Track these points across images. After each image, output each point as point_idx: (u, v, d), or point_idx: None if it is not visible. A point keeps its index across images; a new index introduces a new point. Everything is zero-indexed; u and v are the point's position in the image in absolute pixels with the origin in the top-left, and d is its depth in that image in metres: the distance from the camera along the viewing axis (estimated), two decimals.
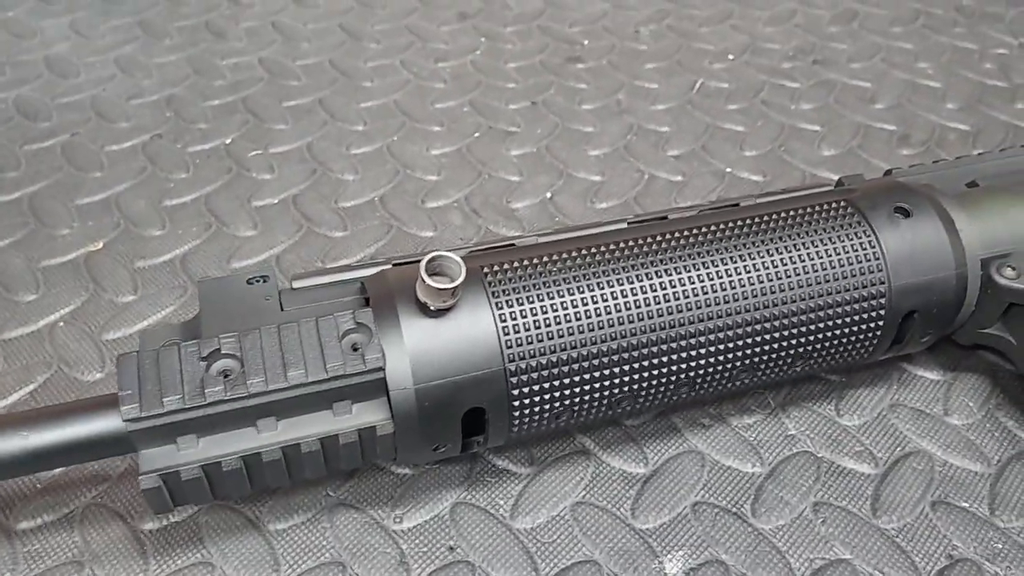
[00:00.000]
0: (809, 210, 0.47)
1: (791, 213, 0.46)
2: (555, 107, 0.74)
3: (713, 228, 0.45)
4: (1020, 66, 0.81)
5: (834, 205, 0.47)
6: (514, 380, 0.40)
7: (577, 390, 0.42)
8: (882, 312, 0.45)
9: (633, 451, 0.48)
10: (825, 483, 0.47)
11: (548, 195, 0.65)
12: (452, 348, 0.40)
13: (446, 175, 0.66)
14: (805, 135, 0.72)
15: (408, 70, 0.77)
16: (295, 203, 0.63)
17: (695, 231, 0.45)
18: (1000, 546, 0.44)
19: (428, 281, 0.39)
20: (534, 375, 0.41)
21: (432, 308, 0.39)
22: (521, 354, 0.40)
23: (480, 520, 0.44)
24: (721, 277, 0.43)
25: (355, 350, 0.39)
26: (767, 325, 0.44)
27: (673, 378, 0.43)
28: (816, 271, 0.44)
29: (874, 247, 0.45)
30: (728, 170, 0.68)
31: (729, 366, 0.44)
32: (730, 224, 0.46)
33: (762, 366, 0.45)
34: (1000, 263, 0.47)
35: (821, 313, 0.45)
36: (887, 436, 0.49)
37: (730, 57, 0.81)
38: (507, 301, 0.41)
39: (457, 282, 0.39)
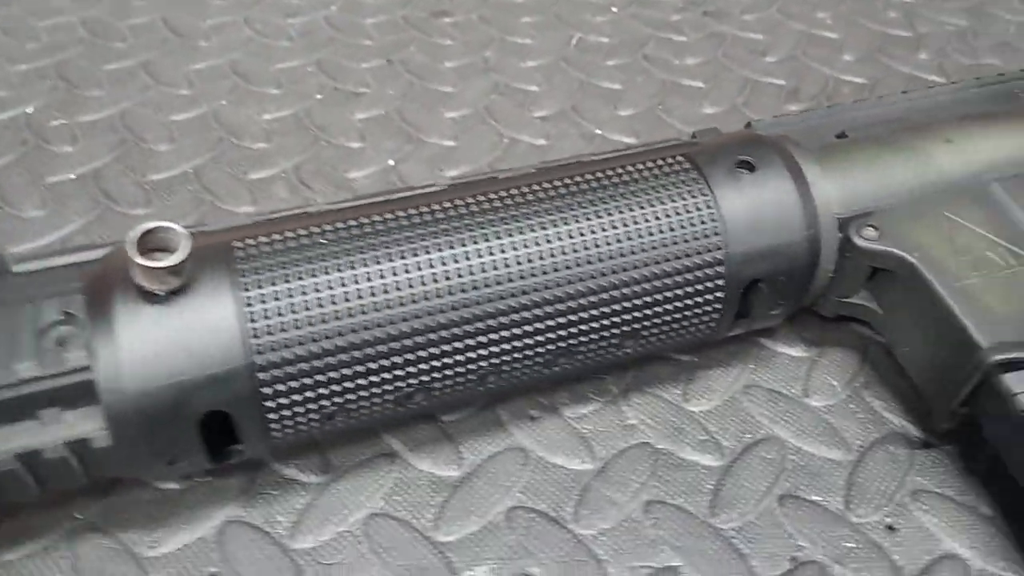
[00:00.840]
0: (640, 168, 0.41)
1: (618, 171, 0.40)
2: (413, 65, 0.67)
3: (525, 191, 0.39)
4: (926, 13, 0.75)
5: (670, 161, 0.41)
6: (264, 377, 0.33)
7: (350, 385, 0.35)
8: (720, 282, 0.39)
9: (447, 451, 0.42)
10: (662, 478, 0.41)
11: (391, 163, 0.59)
12: (179, 341, 0.33)
13: (277, 142, 0.59)
14: (687, 92, 0.65)
15: (251, 27, 0.69)
16: (96, 178, 0.55)
17: (504, 194, 0.39)
18: (851, 545, 0.38)
19: (140, 260, 0.32)
20: (291, 370, 0.34)
21: (155, 293, 0.33)
22: (274, 345, 0.34)
23: (252, 541, 0.38)
24: (527, 247, 0.37)
25: (60, 346, 0.33)
26: (582, 301, 0.37)
27: (472, 367, 0.37)
28: (640, 237, 0.38)
29: (710, 208, 0.39)
30: (598, 132, 0.61)
31: (541, 350, 0.38)
32: (545, 186, 0.39)
33: (582, 348, 0.39)
34: (861, 223, 0.42)
35: (647, 285, 0.39)
36: (737, 422, 0.43)
37: (614, 9, 0.74)
38: (258, 282, 0.34)
39: (178, 259, 0.32)
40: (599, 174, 0.40)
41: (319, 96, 0.63)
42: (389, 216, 0.37)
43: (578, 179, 0.40)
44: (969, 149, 0.44)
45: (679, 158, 0.41)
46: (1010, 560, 0.38)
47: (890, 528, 0.39)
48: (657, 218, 0.38)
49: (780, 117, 0.48)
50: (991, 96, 0.50)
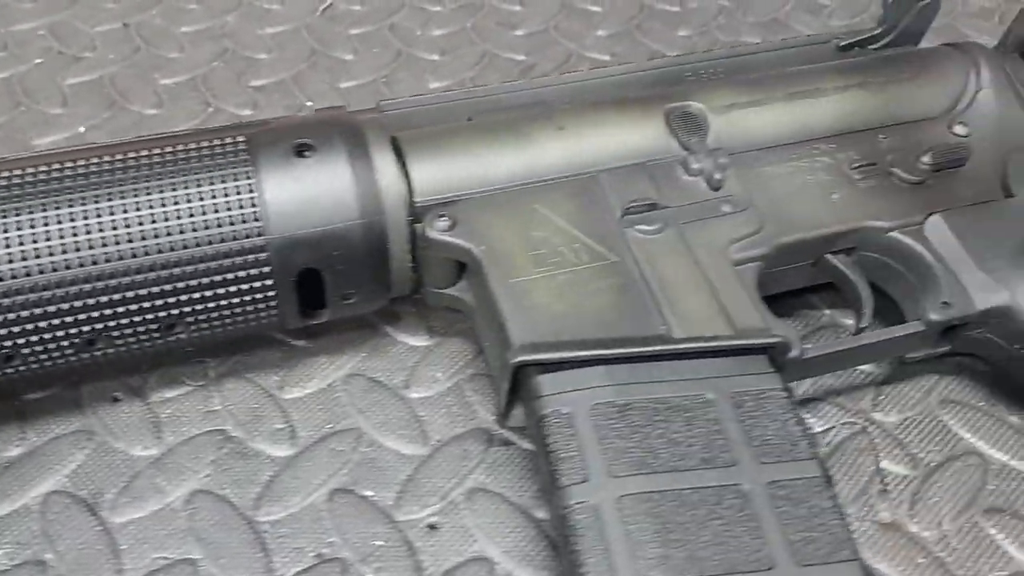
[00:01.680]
0: (188, 148, 0.38)
1: (165, 152, 0.38)
2: (147, 30, 0.65)
3: (70, 167, 0.37)
4: None
5: (225, 142, 0.39)
6: None
7: None
8: (265, 269, 0.37)
9: (12, 430, 0.41)
10: (220, 467, 0.40)
11: (82, 129, 0.56)
12: None
13: None
14: (423, 64, 0.63)
15: None
16: None
17: (47, 169, 0.37)
18: (381, 543, 0.37)
19: None
20: None
21: None
22: None
23: None
24: (61, 223, 0.35)
25: None
26: (113, 283, 0.36)
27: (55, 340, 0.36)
28: (174, 219, 0.36)
29: (251, 192, 0.37)
30: (309, 103, 0.59)
31: (63, 335, 0.37)
32: (92, 163, 0.38)
33: (123, 332, 0.38)
34: (437, 212, 0.39)
35: (182, 270, 0.37)
36: (324, 412, 0.42)
37: None
38: None
39: None
40: (144, 153, 0.38)
41: (38, 60, 0.61)
42: None
43: (123, 158, 0.38)
44: (579, 138, 0.42)
45: (237, 139, 0.39)
46: (542, 568, 0.37)
47: (431, 527, 0.38)
48: (190, 201, 0.37)
49: (417, 97, 0.46)
50: (660, 78, 0.47)
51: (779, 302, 0.43)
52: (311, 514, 0.38)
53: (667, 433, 0.34)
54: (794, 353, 0.37)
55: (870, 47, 0.50)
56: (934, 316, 0.39)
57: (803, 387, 0.43)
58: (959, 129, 0.45)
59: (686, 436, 0.34)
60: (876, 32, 0.50)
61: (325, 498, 0.39)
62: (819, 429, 0.41)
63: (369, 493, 0.39)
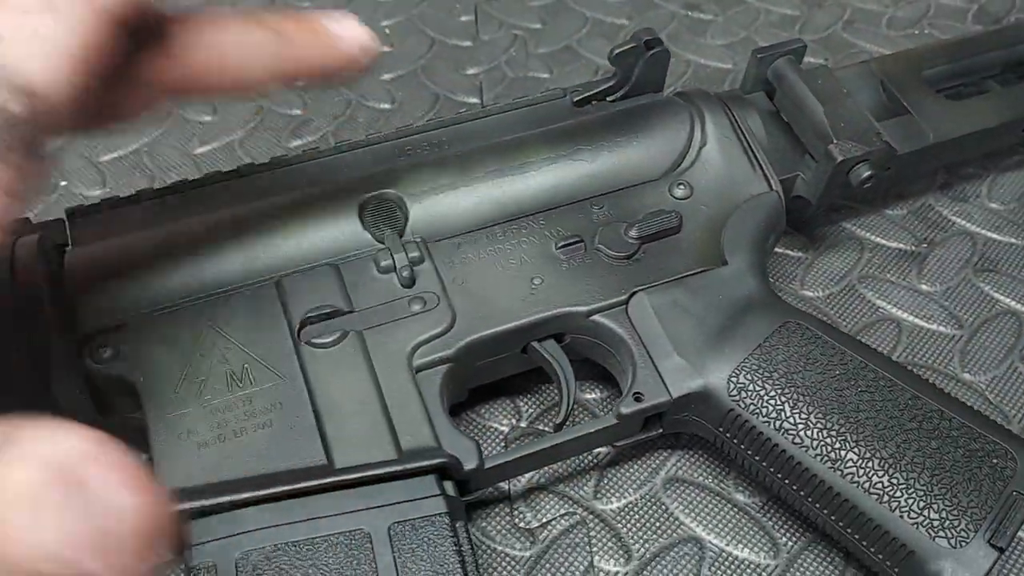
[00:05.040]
0: None
1: None
2: None
3: None
4: (498, 15, 0.69)
5: None
6: None
7: None
8: None
9: None
10: None
11: None
12: None
13: None
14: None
15: None
16: None
17: None
18: None
19: None
20: None
21: None
22: None
23: None
24: None
25: None
26: None
27: None
28: None
29: None
30: (64, 184, 0.57)
31: None
32: None
33: None
34: (101, 341, 0.36)
35: None
36: None
37: None
38: None
39: None
40: None
41: None
42: None
43: None
44: (260, 242, 0.39)
45: None
46: None
47: None
48: None
49: (109, 198, 0.42)
50: (375, 159, 0.43)
51: (516, 377, 0.42)
52: None
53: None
54: (470, 467, 0.36)
55: (608, 98, 0.47)
56: (624, 409, 0.38)
57: (528, 475, 0.41)
58: (679, 191, 0.43)
59: None
60: (611, 84, 0.47)
61: None
62: (535, 524, 0.40)
63: None
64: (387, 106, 0.60)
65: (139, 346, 0.37)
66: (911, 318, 0.49)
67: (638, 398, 0.38)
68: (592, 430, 0.38)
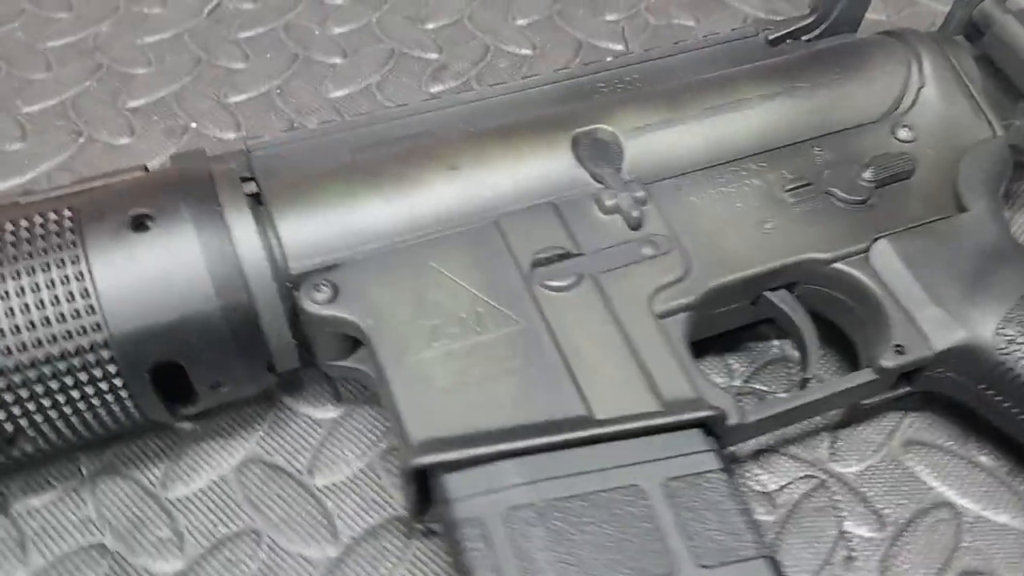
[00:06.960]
0: (16, 228, 0.32)
1: None
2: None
3: None
4: None
5: (50, 219, 0.32)
6: None
7: None
8: (111, 368, 0.32)
9: None
10: None
11: None
12: None
13: None
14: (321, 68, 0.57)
15: None
16: None
17: None
18: None
19: None
20: None
21: None
22: None
23: None
24: None
25: None
26: None
27: None
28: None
29: (80, 281, 0.31)
30: (194, 126, 0.53)
31: None
32: None
33: None
34: (315, 280, 0.34)
35: (17, 377, 0.31)
36: (218, 512, 0.36)
37: None
38: None
39: None
40: None
41: None
42: None
43: None
44: (475, 178, 0.36)
45: (64, 215, 0.33)
46: None
47: None
48: (12, 296, 0.31)
49: (290, 133, 0.40)
50: (568, 93, 0.41)
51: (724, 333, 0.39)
52: None
53: (595, 538, 0.29)
54: (732, 422, 0.33)
55: (803, 38, 0.44)
56: (886, 363, 0.35)
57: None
58: (903, 134, 0.40)
59: (617, 539, 0.29)
60: (808, 21, 0.44)
61: None
62: (773, 487, 0.37)
63: None
64: (528, 51, 0.57)
65: (360, 287, 0.34)
66: None
67: (899, 351, 0.35)
68: (850, 385, 0.35)
